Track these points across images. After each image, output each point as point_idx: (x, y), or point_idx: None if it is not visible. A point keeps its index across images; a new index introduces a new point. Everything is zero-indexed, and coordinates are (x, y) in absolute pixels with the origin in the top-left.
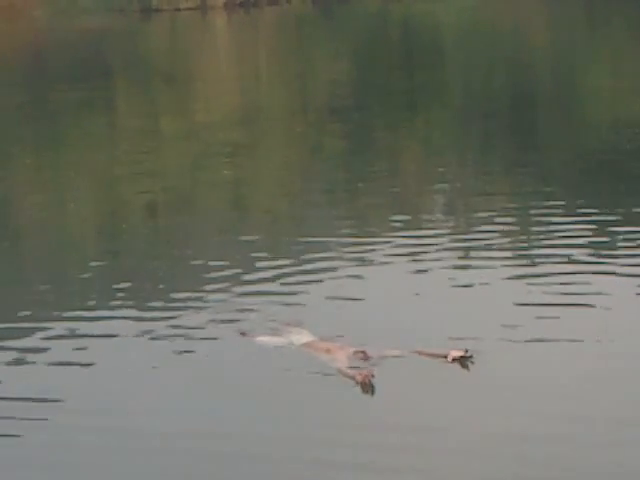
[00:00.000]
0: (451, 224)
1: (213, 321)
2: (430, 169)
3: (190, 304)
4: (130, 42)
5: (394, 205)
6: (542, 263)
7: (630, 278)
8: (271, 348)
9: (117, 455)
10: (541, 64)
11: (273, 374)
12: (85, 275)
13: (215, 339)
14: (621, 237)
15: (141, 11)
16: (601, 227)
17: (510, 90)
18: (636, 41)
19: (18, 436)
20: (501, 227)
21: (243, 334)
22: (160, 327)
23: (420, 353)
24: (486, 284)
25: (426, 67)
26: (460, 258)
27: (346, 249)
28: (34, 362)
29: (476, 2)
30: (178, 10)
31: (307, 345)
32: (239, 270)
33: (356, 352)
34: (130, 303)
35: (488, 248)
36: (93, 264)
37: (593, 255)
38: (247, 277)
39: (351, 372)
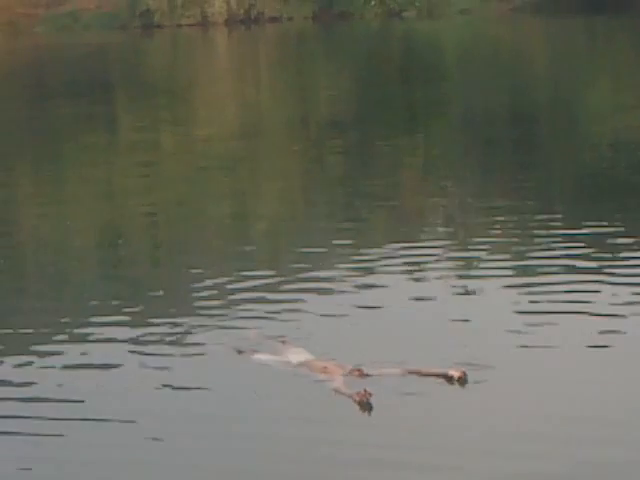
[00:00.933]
0: (451, 239)
1: (209, 339)
2: (430, 184)
3: (186, 321)
4: (131, 58)
5: (393, 220)
6: (542, 276)
7: (630, 287)
8: (268, 366)
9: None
10: (540, 79)
11: (269, 392)
12: (81, 288)
13: (211, 358)
14: (620, 250)
15: (142, 27)
16: (600, 240)
17: (510, 105)
18: (636, 56)
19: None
20: (500, 241)
21: (240, 352)
22: (154, 344)
23: (418, 372)
24: (486, 298)
25: (426, 83)
26: (459, 273)
27: (345, 265)
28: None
29: (475, 19)
30: (179, 26)
31: (304, 364)
32: (236, 286)
33: (353, 370)
34: (126, 318)
35: (488, 262)
36: (90, 277)
37: (592, 267)
38: (244, 294)
39: (348, 391)
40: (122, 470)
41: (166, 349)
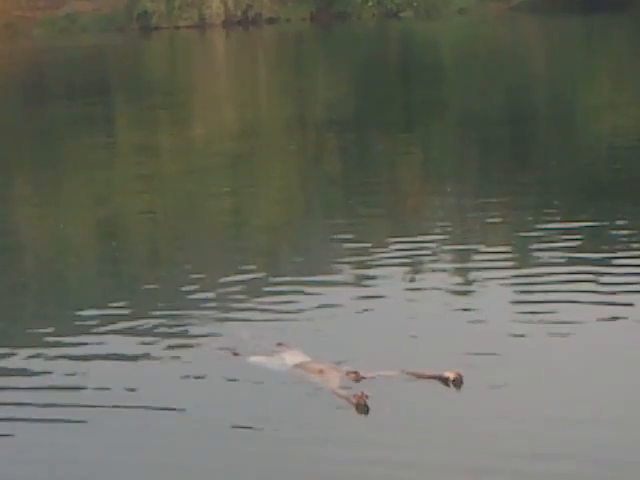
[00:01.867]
0: (449, 240)
1: (205, 341)
2: (427, 184)
3: (181, 322)
4: (129, 59)
5: (390, 221)
6: (541, 272)
7: (630, 293)
8: (263, 368)
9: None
10: (538, 78)
11: (263, 394)
12: (76, 286)
13: (207, 359)
14: (618, 244)
15: (140, 29)
16: (600, 242)
17: (507, 104)
18: (634, 55)
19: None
20: (499, 242)
21: (235, 354)
22: (150, 345)
23: (414, 374)
24: (484, 301)
25: (424, 83)
26: (458, 275)
27: (342, 267)
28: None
29: (473, 19)
30: (177, 28)
31: (300, 366)
32: (232, 288)
33: (349, 373)
34: (121, 319)
35: (486, 264)
36: (85, 276)
37: (591, 262)
38: (240, 295)
39: (345, 393)
40: (121, 469)
41: (162, 349)
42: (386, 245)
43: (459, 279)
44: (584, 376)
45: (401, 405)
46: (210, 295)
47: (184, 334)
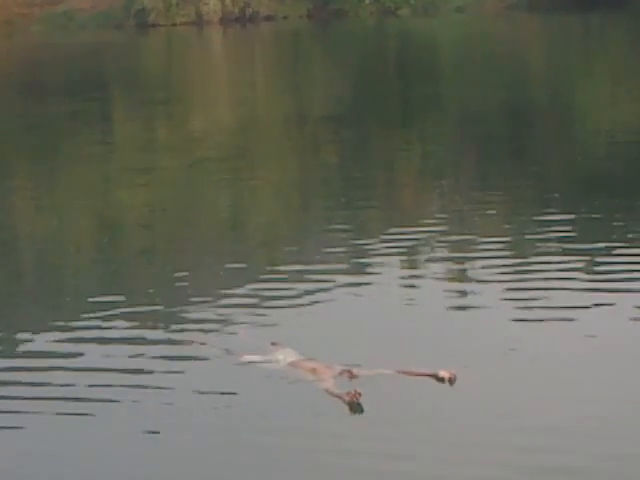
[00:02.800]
0: (446, 239)
1: (199, 340)
2: (426, 182)
3: (176, 321)
4: (127, 56)
5: (388, 219)
6: (539, 275)
7: (630, 293)
8: (257, 367)
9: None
10: (536, 76)
11: (257, 392)
12: (73, 284)
13: (201, 358)
14: (620, 250)
15: (137, 26)
16: (599, 240)
17: (505, 101)
18: (631, 52)
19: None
20: (497, 241)
21: (229, 352)
22: (146, 344)
23: (407, 373)
24: (480, 300)
25: (421, 80)
26: (454, 274)
27: (337, 266)
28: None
29: (470, 17)
30: (174, 25)
31: (294, 364)
32: (227, 287)
33: (342, 371)
34: (116, 319)
35: (483, 263)
36: (82, 274)
37: (591, 268)
38: (235, 294)
39: (338, 392)
40: (121, 466)
41: (159, 349)
42: (382, 248)
43: (457, 273)
44: (583, 373)
45: (394, 403)
46: (206, 291)
47: (179, 332)
